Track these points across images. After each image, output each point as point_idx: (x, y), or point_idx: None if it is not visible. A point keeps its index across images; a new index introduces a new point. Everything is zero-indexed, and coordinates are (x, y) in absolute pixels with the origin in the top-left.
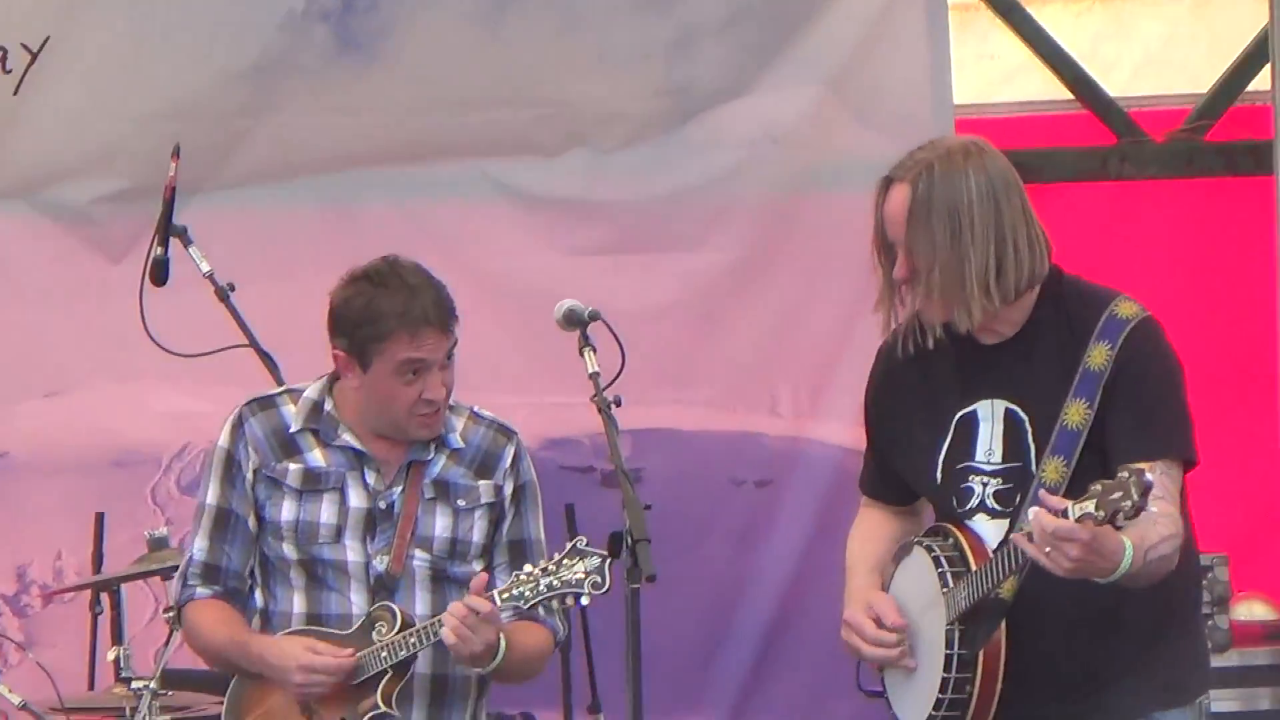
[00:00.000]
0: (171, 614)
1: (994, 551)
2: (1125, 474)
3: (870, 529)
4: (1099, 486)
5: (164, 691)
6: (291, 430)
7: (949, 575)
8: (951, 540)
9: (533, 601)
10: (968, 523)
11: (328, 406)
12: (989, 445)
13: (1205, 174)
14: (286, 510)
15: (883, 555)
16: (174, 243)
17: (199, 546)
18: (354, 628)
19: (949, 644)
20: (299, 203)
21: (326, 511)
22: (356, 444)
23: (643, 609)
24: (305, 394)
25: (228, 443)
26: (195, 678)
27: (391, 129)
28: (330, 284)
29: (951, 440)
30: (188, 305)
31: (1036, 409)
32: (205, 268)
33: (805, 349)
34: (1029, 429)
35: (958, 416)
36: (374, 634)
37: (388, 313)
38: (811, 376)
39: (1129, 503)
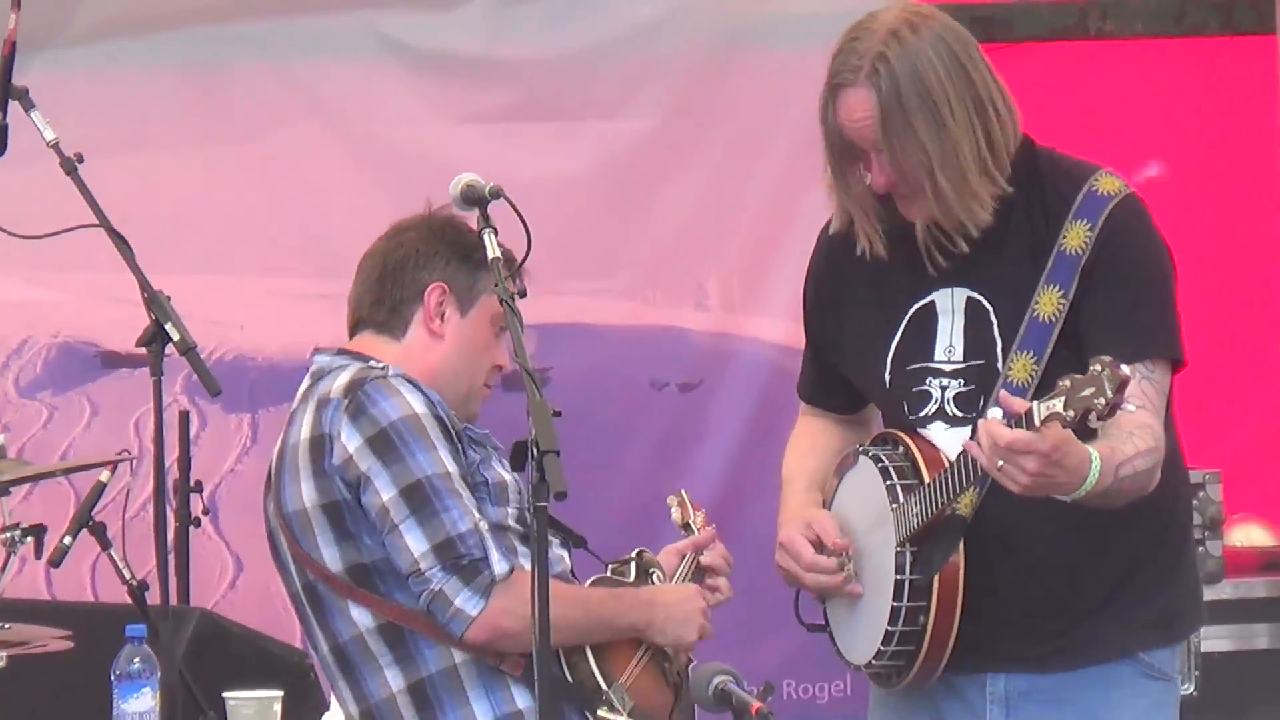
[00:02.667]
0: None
1: (951, 461)
2: (1098, 366)
3: (810, 440)
4: (1067, 382)
5: (1, 625)
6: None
7: (899, 489)
8: (902, 449)
9: None
10: (921, 431)
11: None
12: (949, 342)
13: (1198, 32)
14: (500, 469)
15: (825, 469)
16: (13, 107)
17: (473, 517)
18: (633, 576)
19: (900, 568)
20: (157, 62)
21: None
22: None
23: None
24: (380, 365)
25: (424, 406)
26: (38, 609)
27: None
28: (193, 155)
29: (903, 336)
30: (28, 179)
31: (1003, 298)
32: (49, 136)
33: (738, 231)
34: (994, 321)
35: (912, 308)
36: (652, 580)
37: (507, 252)
38: (744, 264)
39: (1102, 400)
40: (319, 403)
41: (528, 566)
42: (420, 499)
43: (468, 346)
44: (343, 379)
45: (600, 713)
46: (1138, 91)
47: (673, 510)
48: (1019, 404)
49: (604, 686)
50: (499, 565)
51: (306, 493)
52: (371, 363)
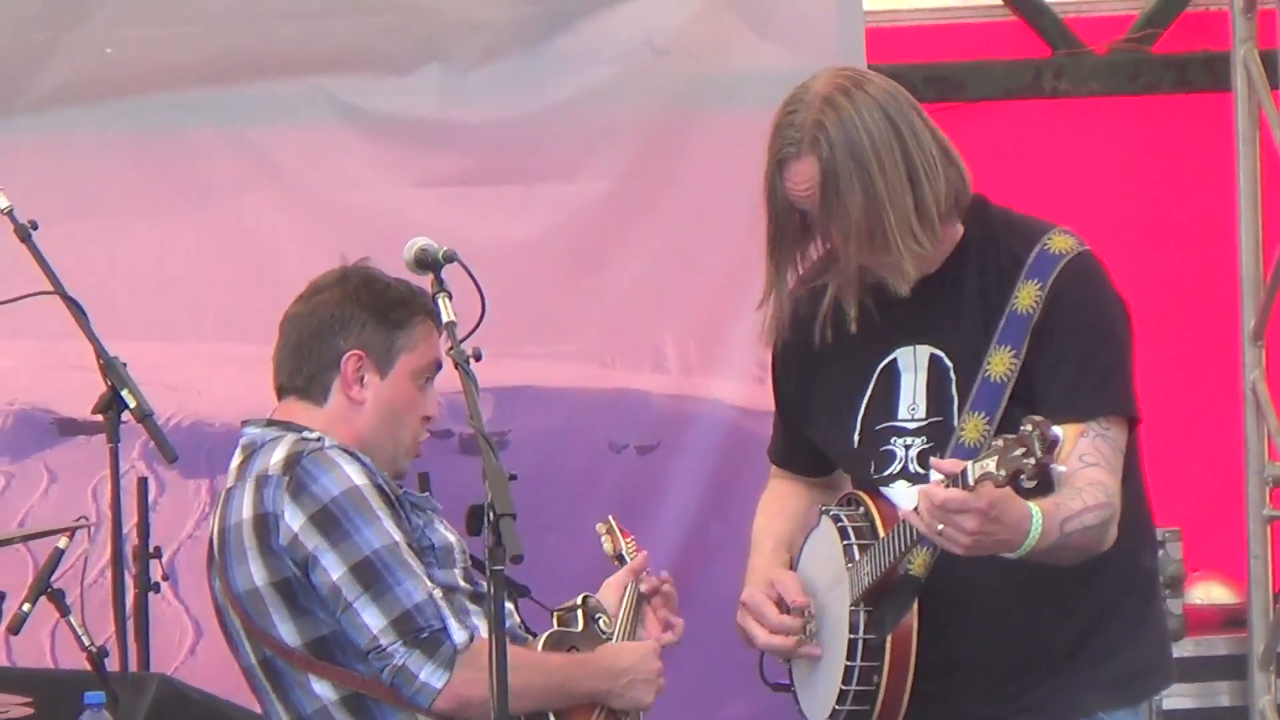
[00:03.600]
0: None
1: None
2: (1029, 427)
3: (780, 503)
4: (1000, 442)
5: None
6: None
7: (855, 548)
8: (862, 509)
9: None
10: (884, 490)
11: None
12: (912, 400)
13: (1153, 90)
14: (444, 530)
15: (793, 531)
16: None
17: (425, 586)
18: (580, 627)
19: (853, 628)
20: (111, 128)
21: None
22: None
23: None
24: (313, 434)
25: (364, 476)
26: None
27: (214, 41)
28: (148, 221)
29: (871, 396)
30: None
31: (961, 355)
32: (3, 203)
33: (695, 294)
34: (953, 378)
35: (878, 367)
36: (598, 626)
37: (424, 303)
38: (702, 326)
39: (1031, 460)
40: (257, 480)
41: (482, 627)
42: (371, 575)
43: (389, 408)
44: (279, 454)
45: None
46: (1093, 150)
47: (603, 540)
48: (951, 465)
49: None
50: (458, 634)
51: (256, 573)
52: (305, 433)
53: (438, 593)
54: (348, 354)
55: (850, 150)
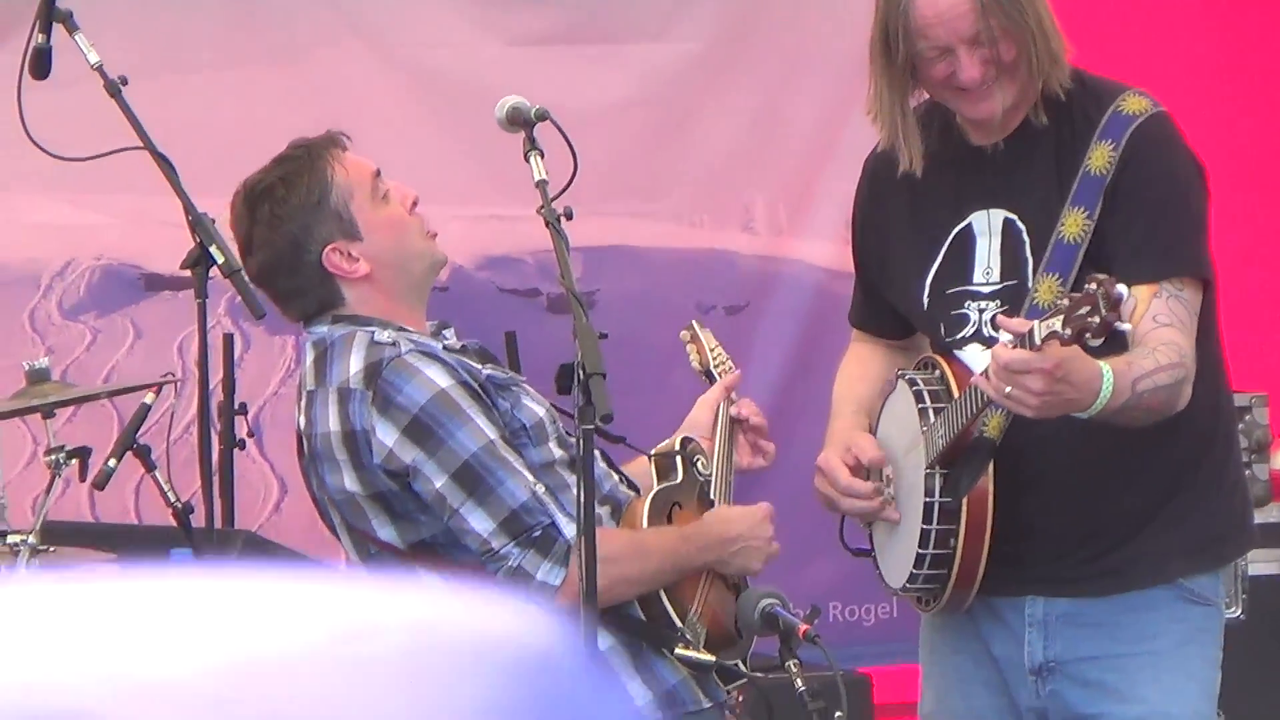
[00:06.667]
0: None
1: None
2: (1093, 285)
3: (860, 367)
4: (1066, 301)
5: (45, 547)
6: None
7: (930, 411)
8: (938, 372)
9: None
10: (958, 353)
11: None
12: (987, 264)
13: None
14: (532, 404)
15: (873, 395)
16: (57, 29)
17: (527, 482)
18: (680, 476)
19: (929, 491)
20: None
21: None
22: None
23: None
24: (385, 335)
25: (447, 376)
26: (82, 531)
27: None
28: (236, 76)
29: (944, 260)
30: (72, 102)
31: (1035, 218)
32: (93, 59)
33: (784, 155)
34: (1027, 240)
35: (953, 232)
36: (698, 469)
37: (315, 152)
38: (791, 187)
39: (1096, 319)
40: (340, 393)
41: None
42: (472, 479)
43: (386, 244)
44: (357, 364)
45: (678, 650)
46: (1178, 14)
47: (689, 352)
48: (1018, 324)
49: (679, 624)
50: (568, 528)
51: (349, 483)
52: (375, 333)
53: (539, 487)
54: (323, 255)
55: None
